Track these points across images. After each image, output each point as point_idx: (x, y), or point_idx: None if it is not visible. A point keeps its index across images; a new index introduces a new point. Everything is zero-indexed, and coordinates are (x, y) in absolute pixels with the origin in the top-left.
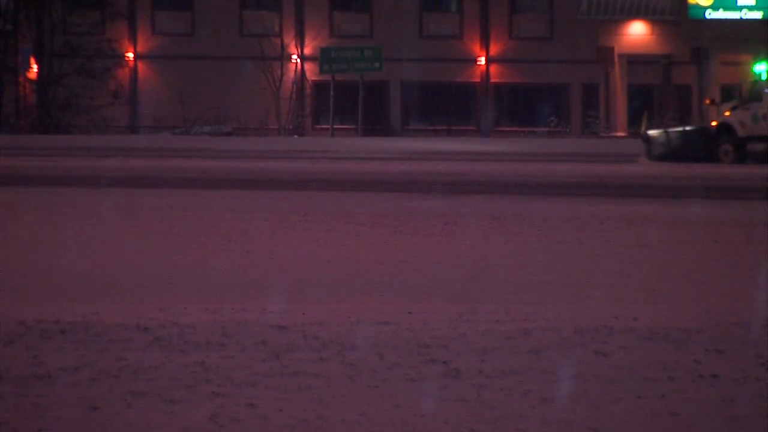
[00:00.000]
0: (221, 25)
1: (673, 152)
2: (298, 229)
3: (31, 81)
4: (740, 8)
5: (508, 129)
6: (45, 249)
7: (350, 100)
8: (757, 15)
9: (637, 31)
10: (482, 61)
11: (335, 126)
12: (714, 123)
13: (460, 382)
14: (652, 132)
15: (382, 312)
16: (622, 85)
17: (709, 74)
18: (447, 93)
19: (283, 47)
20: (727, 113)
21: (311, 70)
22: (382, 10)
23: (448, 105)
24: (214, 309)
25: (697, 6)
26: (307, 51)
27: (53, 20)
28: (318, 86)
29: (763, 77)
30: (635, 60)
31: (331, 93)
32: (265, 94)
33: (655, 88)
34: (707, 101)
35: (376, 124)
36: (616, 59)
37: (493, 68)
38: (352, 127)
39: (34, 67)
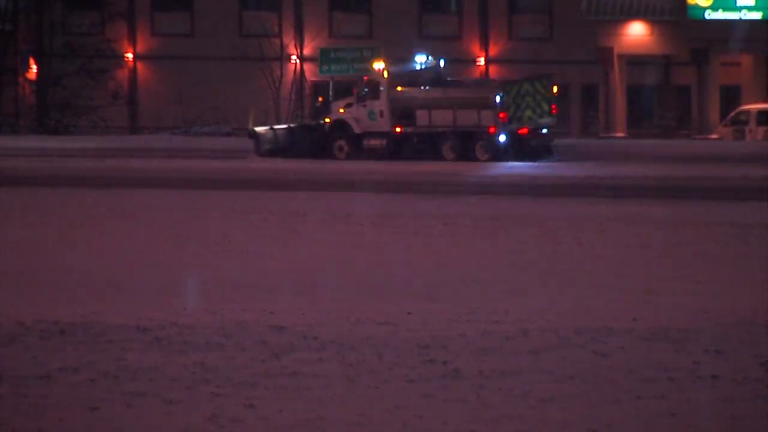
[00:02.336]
0: (220, 25)
1: (281, 148)
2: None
3: (30, 81)
4: (739, 8)
5: None
6: (42, 248)
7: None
8: (757, 15)
9: (636, 31)
10: (482, 61)
11: None
12: (328, 120)
13: (459, 383)
14: (259, 129)
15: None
16: (621, 86)
17: (708, 74)
18: None
19: (282, 48)
20: (341, 110)
21: (310, 71)
22: (382, 11)
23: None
24: (213, 309)
25: (697, 6)
26: (306, 51)
27: (53, 21)
28: (317, 87)
29: (385, 74)
30: (635, 60)
31: (331, 93)
32: (264, 94)
33: (655, 89)
34: (320, 99)
35: None
36: (615, 60)
37: (492, 68)
38: None
39: (34, 68)
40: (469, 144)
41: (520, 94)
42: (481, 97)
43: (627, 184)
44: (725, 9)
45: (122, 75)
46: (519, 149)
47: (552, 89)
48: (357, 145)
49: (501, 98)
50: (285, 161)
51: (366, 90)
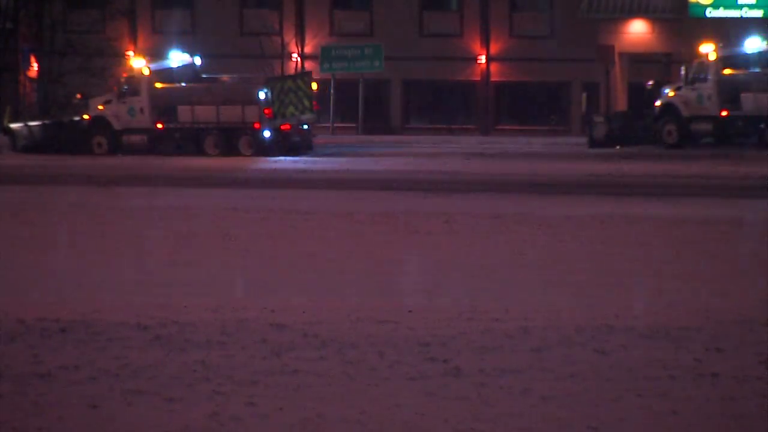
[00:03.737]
0: (221, 23)
1: (38, 144)
2: None
3: (31, 79)
4: (740, 7)
5: (508, 128)
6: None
7: (351, 99)
8: (758, 13)
9: (637, 29)
10: (483, 59)
11: (336, 124)
12: (87, 116)
13: (460, 381)
14: (14, 125)
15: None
16: (622, 84)
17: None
18: (447, 91)
19: (283, 46)
20: (100, 107)
21: (312, 69)
22: (383, 9)
23: (448, 103)
24: (214, 307)
25: (698, 4)
26: (307, 49)
27: (53, 18)
28: (318, 85)
29: (145, 71)
30: (636, 58)
31: (332, 91)
32: None
33: (656, 87)
34: (78, 96)
35: (377, 123)
36: (616, 58)
37: (493, 67)
38: (353, 125)
39: (35, 66)
40: (234, 139)
41: (283, 90)
42: (245, 94)
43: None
44: (726, 7)
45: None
46: (283, 145)
47: (312, 86)
48: (117, 142)
49: (265, 94)
50: (39, 157)
51: (126, 87)
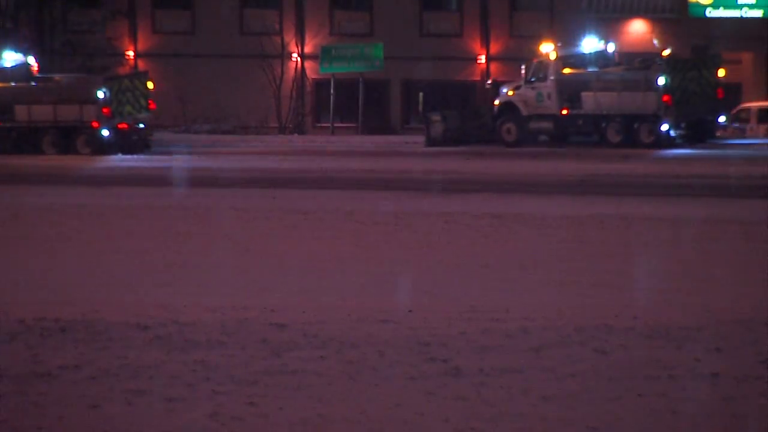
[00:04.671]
0: (221, 23)
1: None
2: None
3: None
4: (740, 6)
5: None
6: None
7: (351, 99)
8: (758, 13)
9: (637, 29)
10: (483, 59)
11: (336, 124)
12: None
13: (460, 381)
14: None
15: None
16: None
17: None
18: (447, 91)
19: (283, 45)
20: None
21: (312, 69)
22: (383, 9)
23: (448, 103)
24: (214, 307)
25: (698, 4)
26: (307, 49)
27: (53, 19)
28: (318, 84)
29: None
30: (635, 58)
31: (332, 91)
32: (265, 92)
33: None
34: None
35: (377, 123)
36: (616, 57)
37: (493, 66)
38: (353, 125)
39: (35, 66)
40: (72, 138)
41: (120, 89)
42: (83, 93)
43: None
44: (726, 7)
45: (123, 73)
46: (121, 143)
47: (148, 85)
48: None
49: (104, 94)
50: None
51: None
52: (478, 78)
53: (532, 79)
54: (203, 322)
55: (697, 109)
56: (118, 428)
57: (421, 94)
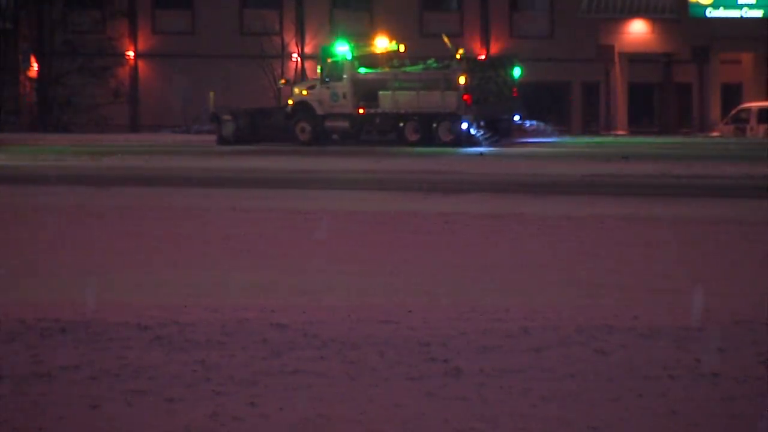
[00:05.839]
0: (221, 23)
1: None
2: None
3: (31, 80)
4: (740, 6)
5: None
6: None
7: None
8: (758, 13)
9: (637, 29)
10: (482, 59)
11: None
12: None
13: (460, 381)
14: None
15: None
16: (622, 84)
17: (709, 72)
18: None
19: (283, 46)
20: None
21: (311, 69)
22: (383, 9)
23: None
24: (214, 308)
25: (698, 4)
26: (307, 49)
27: (53, 19)
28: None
29: None
30: (636, 58)
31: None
32: (265, 92)
33: (656, 87)
34: None
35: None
36: (616, 58)
37: None
38: None
39: (35, 66)
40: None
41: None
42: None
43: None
44: (726, 7)
45: (123, 73)
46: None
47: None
48: None
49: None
50: None
51: None
52: None
53: (327, 79)
54: (203, 322)
55: (495, 108)
56: (118, 428)
57: (212, 93)
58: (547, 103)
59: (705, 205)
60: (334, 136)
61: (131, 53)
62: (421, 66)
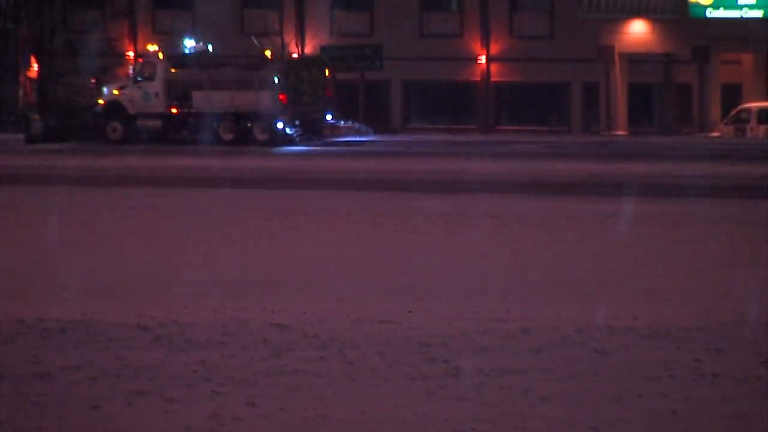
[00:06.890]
0: (222, 24)
1: None
2: None
3: (31, 80)
4: (740, 7)
5: (508, 128)
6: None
7: (351, 99)
8: (758, 14)
9: (637, 29)
10: (483, 59)
11: None
12: None
13: (460, 381)
14: None
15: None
16: (622, 84)
17: (709, 73)
18: (447, 91)
19: (283, 46)
20: None
21: None
22: (383, 9)
23: (448, 103)
24: (214, 308)
25: (698, 5)
26: (307, 50)
27: (54, 19)
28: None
29: None
30: (636, 59)
31: (333, 91)
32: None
33: (656, 87)
34: None
35: (377, 123)
36: (616, 58)
37: (493, 67)
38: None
39: (35, 66)
40: None
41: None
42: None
43: None
44: (726, 7)
45: (123, 74)
46: None
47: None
48: None
49: None
50: None
51: None
52: (478, 78)
53: (139, 79)
54: (203, 323)
55: (309, 107)
56: (118, 428)
57: (21, 91)
58: (548, 103)
59: (701, 204)
60: (144, 136)
61: (131, 53)
62: (233, 66)
